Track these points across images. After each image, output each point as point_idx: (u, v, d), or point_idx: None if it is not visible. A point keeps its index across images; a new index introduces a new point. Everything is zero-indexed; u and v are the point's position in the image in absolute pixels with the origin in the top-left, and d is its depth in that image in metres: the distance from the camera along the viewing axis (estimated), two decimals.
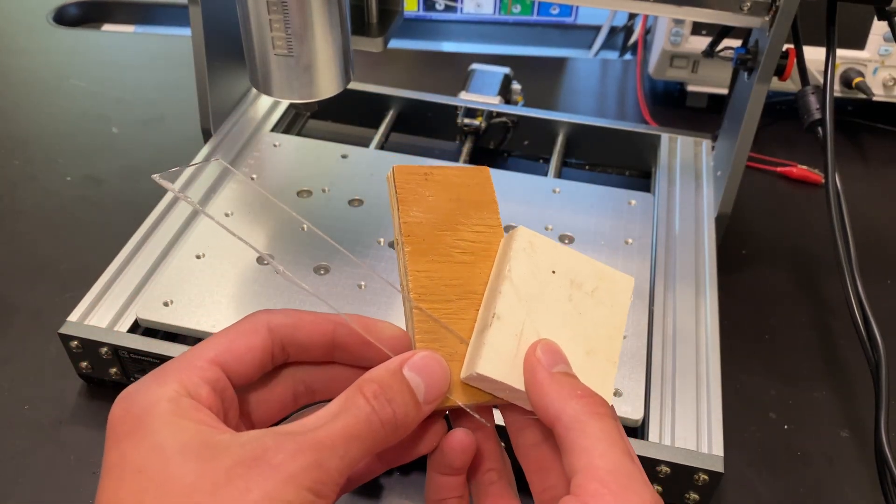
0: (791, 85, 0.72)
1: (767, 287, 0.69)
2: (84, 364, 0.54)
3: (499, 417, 0.35)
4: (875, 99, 0.84)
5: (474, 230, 0.34)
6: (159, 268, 0.58)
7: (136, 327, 0.54)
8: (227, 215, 0.62)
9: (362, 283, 0.57)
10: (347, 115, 0.81)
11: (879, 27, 0.82)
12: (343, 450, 0.27)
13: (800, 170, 0.81)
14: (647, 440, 0.49)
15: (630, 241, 0.62)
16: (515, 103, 0.83)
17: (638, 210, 0.65)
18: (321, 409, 0.28)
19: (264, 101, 0.76)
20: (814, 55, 0.67)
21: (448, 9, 1.05)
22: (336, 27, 0.52)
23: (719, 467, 0.47)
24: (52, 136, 0.81)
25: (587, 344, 0.32)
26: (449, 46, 1.08)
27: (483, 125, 0.76)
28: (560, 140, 0.76)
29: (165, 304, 0.54)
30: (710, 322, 0.57)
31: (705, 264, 0.62)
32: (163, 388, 0.27)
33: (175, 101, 0.86)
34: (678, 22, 0.84)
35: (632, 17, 1.03)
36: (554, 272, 0.33)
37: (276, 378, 0.33)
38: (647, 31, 0.97)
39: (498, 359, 0.31)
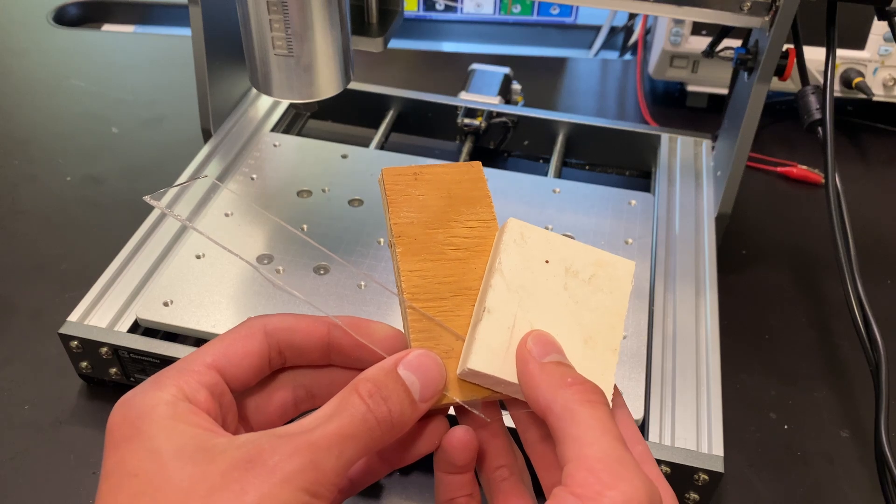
0: (791, 85, 0.72)
1: (767, 287, 0.69)
2: (84, 364, 0.54)
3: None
4: (875, 99, 0.84)
5: (467, 226, 0.34)
6: (159, 268, 0.58)
7: (136, 327, 0.54)
8: (226, 215, 0.62)
9: (362, 283, 0.57)
10: (347, 115, 0.81)
11: (879, 27, 0.82)
12: (339, 450, 0.27)
13: (800, 170, 0.81)
14: (647, 440, 0.49)
15: (630, 241, 0.62)
16: (515, 103, 0.83)
17: (638, 210, 0.65)
18: (318, 409, 0.28)
19: (264, 101, 0.76)
20: (814, 55, 0.67)
21: (448, 9, 1.05)
22: (336, 27, 0.52)
23: (719, 467, 0.47)
24: (52, 136, 0.81)
25: (585, 332, 0.32)
26: (449, 46, 1.08)
27: (483, 125, 0.76)
28: (560, 140, 0.76)
29: (165, 304, 0.54)
30: (710, 322, 0.57)
31: (705, 264, 0.62)
32: (160, 393, 0.28)
33: (175, 101, 0.86)
34: (678, 22, 0.84)
35: (632, 17, 1.03)
36: (547, 262, 0.33)
37: (274, 383, 0.33)
38: (647, 31, 0.97)
39: (490, 353, 0.30)
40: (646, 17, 0.97)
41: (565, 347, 0.31)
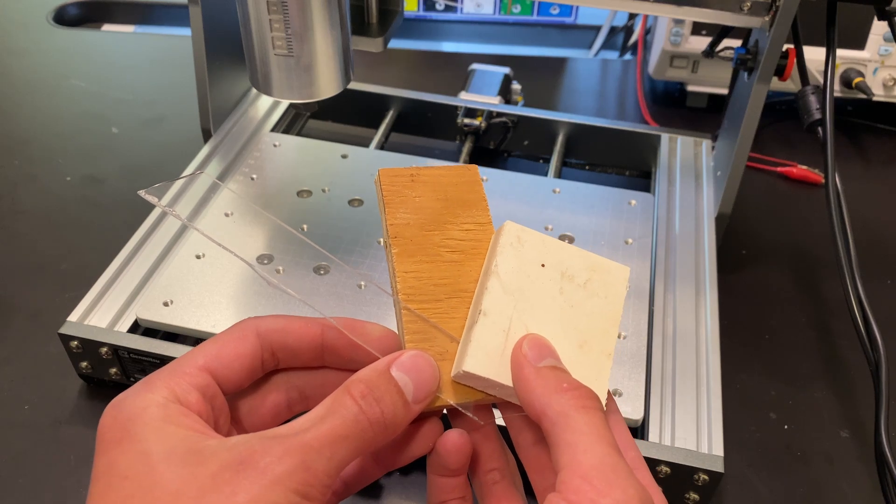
0: (791, 85, 0.72)
1: (767, 287, 0.69)
2: (84, 364, 0.54)
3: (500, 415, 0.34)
4: (875, 99, 0.84)
5: (463, 228, 0.34)
6: (159, 268, 0.58)
7: (136, 327, 0.54)
8: (226, 215, 0.62)
9: (362, 283, 0.57)
10: (347, 115, 0.81)
11: (879, 27, 0.82)
12: (330, 451, 0.26)
13: (800, 170, 0.81)
14: (647, 440, 0.49)
15: (630, 241, 0.62)
16: (515, 103, 0.83)
17: (638, 210, 0.65)
18: (310, 411, 0.28)
19: (264, 101, 0.76)
20: (814, 55, 0.67)
21: (448, 9, 1.05)
22: (336, 27, 0.52)
23: (719, 467, 0.47)
24: (52, 136, 0.81)
25: (580, 337, 0.32)
26: (449, 46, 1.08)
27: (483, 125, 0.76)
28: (560, 140, 0.76)
29: (165, 304, 0.54)
30: (710, 322, 0.57)
31: (705, 264, 0.62)
32: (151, 395, 0.28)
33: (175, 101, 0.86)
34: (678, 22, 0.84)
35: (632, 17, 1.03)
36: (543, 265, 0.33)
37: (267, 384, 0.33)
38: (647, 31, 0.97)
39: (485, 356, 0.30)
40: (646, 17, 0.97)
41: (560, 351, 0.31)
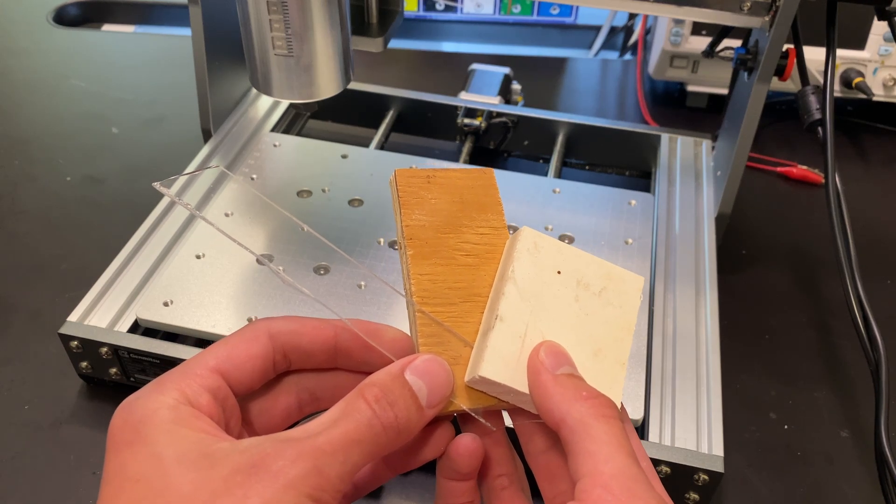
0: (791, 85, 0.72)
1: (767, 287, 0.69)
2: (84, 364, 0.54)
3: (510, 421, 0.34)
4: (875, 99, 0.84)
5: (478, 232, 0.34)
6: (159, 268, 0.58)
7: (136, 327, 0.54)
8: (227, 215, 0.62)
9: (362, 283, 0.57)
10: (347, 115, 0.81)
11: (879, 27, 0.82)
12: (344, 455, 0.26)
13: (800, 170, 0.81)
14: (647, 440, 0.49)
15: (630, 241, 0.62)
16: (515, 103, 0.83)
17: (638, 210, 0.65)
18: (323, 414, 0.28)
19: (264, 101, 0.76)
20: (814, 55, 0.67)
21: (448, 9, 1.05)
22: (336, 27, 0.52)
23: (719, 467, 0.47)
24: (52, 136, 0.81)
25: (594, 345, 0.32)
26: (449, 46, 1.08)
27: (483, 125, 0.76)
28: (560, 140, 0.76)
29: (165, 304, 0.54)
30: (710, 322, 0.57)
31: (705, 264, 0.62)
32: (162, 397, 0.27)
33: (175, 101, 0.86)
34: (678, 22, 0.84)
35: (632, 17, 1.03)
36: (559, 273, 0.33)
37: (279, 386, 0.33)
38: (647, 31, 0.97)
39: (501, 361, 0.30)
40: (646, 17, 0.97)
41: (574, 359, 0.31)
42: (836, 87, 0.84)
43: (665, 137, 0.75)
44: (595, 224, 0.64)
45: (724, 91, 0.79)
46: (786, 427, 0.58)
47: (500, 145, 0.79)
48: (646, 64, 0.93)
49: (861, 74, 0.83)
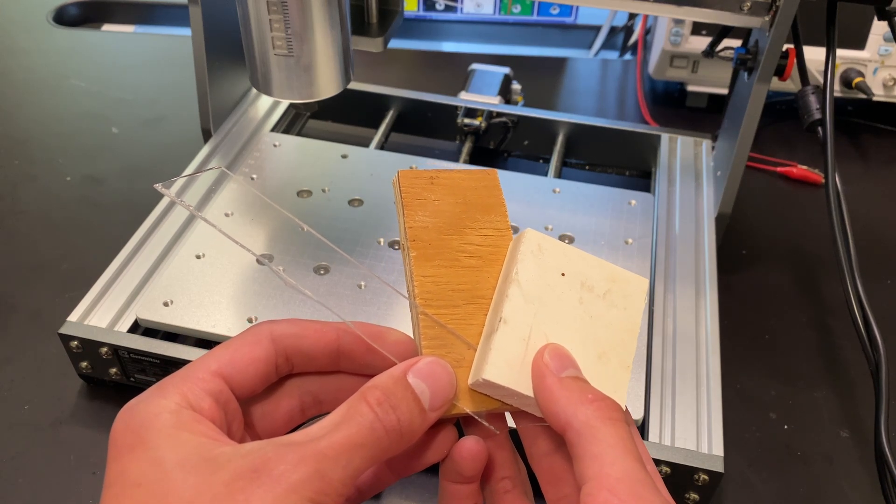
0: (791, 85, 0.72)
1: (767, 287, 0.69)
2: (84, 364, 0.54)
3: (512, 423, 0.34)
4: (875, 99, 0.84)
5: (482, 234, 0.34)
6: (159, 268, 0.58)
7: (136, 327, 0.54)
8: (227, 215, 0.62)
9: (362, 283, 0.57)
10: (347, 115, 0.81)
11: (879, 27, 0.82)
12: (346, 459, 0.26)
13: (800, 170, 0.81)
14: (647, 440, 0.49)
15: (630, 241, 0.62)
16: (515, 103, 0.83)
17: (638, 210, 0.65)
18: (325, 418, 0.28)
19: (264, 101, 0.76)
20: (814, 55, 0.67)
21: (448, 9, 1.05)
22: (336, 27, 0.52)
23: (719, 467, 0.47)
24: (52, 136, 0.81)
25: (599, 348, 0.32)
26: (449, 46, 1.08)
27: (483, 125, 0.76)
28: (560, 140, 0.76)
29: (165, 304, 0.54)
30: (710, 322, 0.57)
31: (705, 264, 0.62)
32: (164, 401, 0.27)
33: (175, 101, 0.86)
34: (678, 22, 0.84)
35: (632, 17, 1.03)
36: (563, 275, 0.32)
37: (281, 389, 0.32)
38: (647, 31, 0.97)
39: (505, 364, 0.30)
40: (646, 17, 0.97)
41: (579, 362, 0.31)
42: (836, 87, 0.84)
43: (665, 137, 0.75)
44: (595, 224, 0.64)
45: (724, 91, 0.79)
46: (786, 427, 0.58)
47: (500, 145, 0.79)
48: (646, 64, 0.93)
49: (861, 74, 0.83)
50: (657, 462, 0.47)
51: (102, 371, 0.54)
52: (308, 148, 0.71)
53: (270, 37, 0.51)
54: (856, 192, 0.74)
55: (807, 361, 0.62)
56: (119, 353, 0.53)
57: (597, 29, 1.05)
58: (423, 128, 0.80)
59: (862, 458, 0.56)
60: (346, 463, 0.26)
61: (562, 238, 0.63)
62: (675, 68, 0.87)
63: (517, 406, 0.31)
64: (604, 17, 1.04)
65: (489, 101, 0.79)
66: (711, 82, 0.88)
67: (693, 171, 0.72)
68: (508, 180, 0.68)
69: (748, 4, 0.58)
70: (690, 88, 0.89)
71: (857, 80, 0.82)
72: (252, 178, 0.67)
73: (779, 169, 0.82)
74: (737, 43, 0.65)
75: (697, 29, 0.84)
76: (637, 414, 0.50)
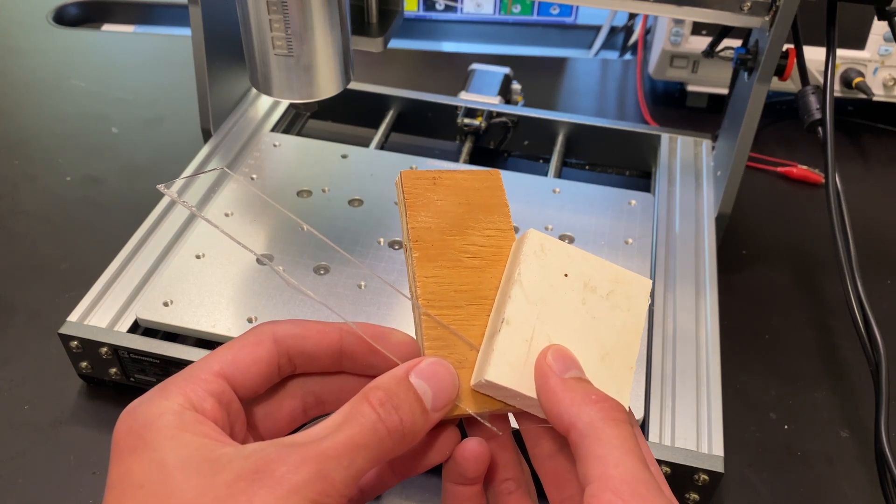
0: (791, 85, 0.72)
1: (767, 287, 0.69)
2: (84, 364, 0.54)
3: (515, 424, 0.34)
4: (875, 99, 0.84)
5: (484, 234, 0.34)
6: (159, 268, 0.58)
7: (136, 327, 0.54)
8: (227, 215, 0.62)
9: (362, 283, 0.57)
10: (347, 115, 0.81)
11: (879, 27, 0.82)
12: (348, 460, 0.26)
13: (800, 170, 0.81)
14: (647, 440, 0.49)
15: (630, 241, 0.62)
16: (515, 103, 0.83)
17: (638, 210, 0.65)
18: (327, 418, 0.28)
19: (264, 101, 0.76)
20: (814, 55, 0.67)
21: (448, 9, 1.05)
22: (336, 27, 0.52)
23: (719, 467, 0.47)
24: (52, 136, 0.81)
25: (602, 349, 0.32)
26: (449, 46, 1.08)
27: (483, 125, 0.76)
28: (560, 140, 0.76)
29: (165, 304, 0.54)
30: (710, 322, 0.57)
31: (705, 264, 0.62)
32: (166, 402, 0.27)
33: (175, 101, 0.86)
34: (678, 22, 0.84)
35: (632, 17, 1.03)
36: (566, 275, 0.32)
37: (284, 390, 0.32)
38: (647, 31, 0.97)
39: (508, 365, 0.30)
40: (646, 17, 0.97)
41: (582, 363, 0.31)
42: (836, 87, 0.84)
43: (665, 137, 0.75)
44: (595, 224, 0.64)
45: (724, 91, 0.79)
46: (786, 427, 0.58)
47: (500, 145, 0.79)
48: (646, 64, 0.93)
49: (861, 74, 0.83)
50: (657, 462, 0.47)
51: (102, 371, 0.54)
52: (308, 148, 0.71)
53: (270, 37, 0.51)
54: (856, 192, 0.74)
55: (807, 361, 0.62)
56: (119, 353, 0.53)
57: (597, 29, 1.05)
58: (423, 128, 0.80)
59: (862, 458, 0.56)
60: (348, 464, 0.26)
61: (562, 238, 0.63)
62: (675, 68, 0.87)
63: (520, 407, 0.31)
64: (604, 17, 1.04)
65: (489, 101, 0.79)
66: (711, 82, 0.88)
67: (693, 171, 0.72)
68: (508, 180, 0.67)
69: (748, 4, 0.58)
70: (690, 88, 0.89)
71: (857, 80, 0.82)
72: (252, 178, 0.67)
73: (779, 169, 0.82)
74: (737, 43, 0.65)
75: (697, 29, 0.84)
76: (637, 414, 0.50)
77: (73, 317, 0.54)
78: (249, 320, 0.53)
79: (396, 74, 0.96)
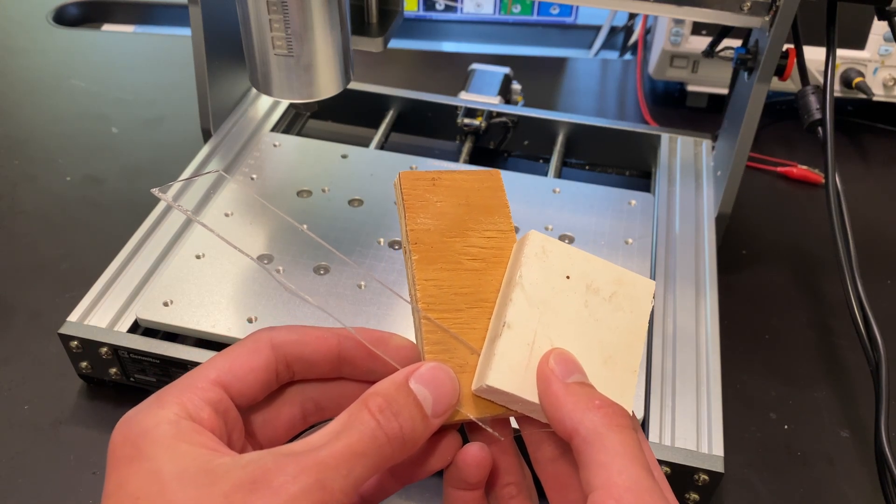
0: (791, 85, 0.72)
1: (767, 287, 0.69)
2: (84, 364, 0.54)
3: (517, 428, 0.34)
4: (875, 99, 0.84)
5: (485, 236, 0.33)
6: (159, 268, 0.58)
7: (136, 327, 0.54)
8: (226, 216, 0.62)
9: (362, 283, 0.57)
10: (347, 115, 0.81)
11: (879, 27, 0.82)
12: (347, 469, 0.26)
13: (800, 170, 0.81)
14: (647, 440, 0.49)
15: (630, 241, 0.62)
16: (515, 103, 0.83)
17: (638, 210, 0.65)
18: (326, 426, 0.27)
19: (264, 101, 0.76)
20: (814, 55, 0.67)
21: (448, 9, 1.05)
22: (336, 27, 0.52)
23: (719, 467, 0.47)
24: (52, 136, 0.81)
25: (605, 352, 0.31)
26: (449, 46, 1.08)
27: (483, 125, 0.76)
28: (560, 140, 0.76)
29: (165, 304, 0.54)
30: (710, 322, 0.57)
31: (705, 264, 0.62)
32: (162, 412, 0.27)
33: (175, 101, 0.86)
34: (678, 22, 0.84)
35: (632, 17, 1.03)
36: (568, 277, 0.32)
37: (282, 397, 0.32)
38: (647, 31, 0.97)
39: (509, 370, 0.29)
40: (646, 17, 0.97)
41: (585, 366, 0.30)
42: (836, 87, 0.84)
43: (665, 137, 0.75)
44: (595, 224, 0.64)
45: (724, 91, 0.79)
46: (786, 427, 0.58)
47: (500, 145, 0.79)
48: (646, 64, 0.93)
49: (861, 74, 0.83)
50: (657, 462, 0.47)
51: (102, 371, 0.54)
52: (308, 148, 0.71)
53: (270, 37, 0.51)
54: (856, 192, 0.74)
55: (807, 361, 0.62)
56: (119, 353, 0.53)
57: (597, 29, 1.05)
58: (423, 128, 0.80)
59: (862, 458, 0.56)
60: (346, 472, 0.26)
61: (562, 238, 0.63)
62: (675, 68, 0.87)
63: (522, 412, 0.31)
64: (604, 17, 1.04)
65: (489, 101, 0.79)
66: (711, 82, 0.88)
67: (693, 171, 0.72)
68: (508, 180, 0.67)
69: (748, 4, 0.58)
70: (690, 88, 0.89)
71: (857, 80, 0.82)
72: (252, 178, 0.67)
73: (779, 169, 0.82)
74: (737, 43, 0.65)
75: (697, 29, 0.84)
76: (637, 414, 0.50)
77: (73, 317, 0.54)
78: (249, 320, 0.53)
79: (396, 74, 0.96)
